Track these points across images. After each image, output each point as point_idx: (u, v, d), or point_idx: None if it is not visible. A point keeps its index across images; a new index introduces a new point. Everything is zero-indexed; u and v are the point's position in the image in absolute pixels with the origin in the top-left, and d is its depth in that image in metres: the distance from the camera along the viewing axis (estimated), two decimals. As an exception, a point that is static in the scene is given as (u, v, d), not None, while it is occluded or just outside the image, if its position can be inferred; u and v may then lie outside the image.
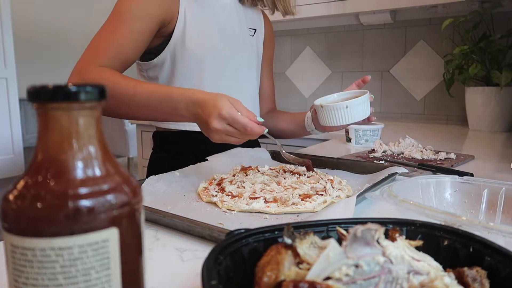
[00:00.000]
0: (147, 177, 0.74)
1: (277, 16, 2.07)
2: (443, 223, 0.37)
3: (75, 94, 0.26)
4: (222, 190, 0.68)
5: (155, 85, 0.79)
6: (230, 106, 0.68)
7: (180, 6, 0.92)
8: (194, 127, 1.00)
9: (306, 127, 1.02)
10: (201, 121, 0.72)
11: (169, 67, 0.96)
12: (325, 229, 0.36)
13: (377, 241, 0.30)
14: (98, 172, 0.26)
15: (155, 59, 0.95)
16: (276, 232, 0.35)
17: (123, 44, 0.83)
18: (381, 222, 0.36)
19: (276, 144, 0.82)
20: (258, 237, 0.34)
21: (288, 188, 0.68)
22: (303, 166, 0.83)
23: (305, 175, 0.77)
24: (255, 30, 1.11)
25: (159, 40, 0.94)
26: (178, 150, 1.04)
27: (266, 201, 0.63)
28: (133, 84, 0.78)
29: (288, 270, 0.30)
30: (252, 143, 1.14)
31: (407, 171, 0.78)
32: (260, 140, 1.22)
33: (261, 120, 0.70)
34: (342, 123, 0.82)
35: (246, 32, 1.08)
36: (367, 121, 0.89)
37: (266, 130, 0.71)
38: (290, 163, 0.86)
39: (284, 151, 0.85)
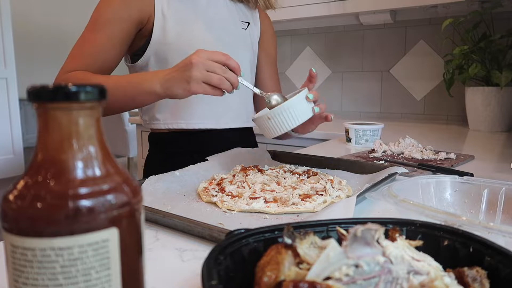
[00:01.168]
0: (144, 178, 0.74)
1: (277, 16, 2.07)
2: (443, 223, 0.37)
3: (75, 94, 0.26)
4: (222, 190, 0.68)
5: (124, 75, 0.82)
6: (204, 50, 0.70)
7: (156, 5, 0.91)
8: (189, 125, 0.99)
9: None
10: (177, 79, 0.71)
11: (154, 67, 0.95)
12: (325, 229, 0.36)
13: (377, 241, 0.30)
14: (98, 172, 0.26)
15: (139, 60, 0.95)
16: (276, 232, 0.35)
17: (99, 51, 0.86)
18: (381, 222, 0.36)
19: (260, 93, 0.78)
20: (258, 237, 0.34)
21: (288, 188, 0.68)
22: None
23: (305, 175, 0.77)
24: (248, 23, 1.09)
25: (142, 41, 0.94)
26: (174, 150, 1.03)
27: (266, 201, 0.63)
28: (105, 76, 0.82)
29: (288, 270, 0.30)
30: (252, 144, 1.13)
31: (407, 171, 0.78)
32: (260, 141, 1.22)
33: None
34: (275, 134, 0.74)
35: (239, 26, 1.06)
36: (324, 120, 0.80)
37: (243, 73, 0.73)
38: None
39: (266, 98, 0.78)
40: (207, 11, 0.99)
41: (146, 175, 1.03)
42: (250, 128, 1.15)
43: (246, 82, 0.75)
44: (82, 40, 0.87)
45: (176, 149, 1.03)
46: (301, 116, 0.73)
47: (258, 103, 1.15)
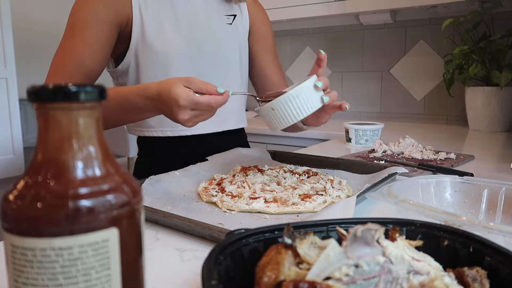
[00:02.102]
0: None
1: (277, 16, 2.07)
2: (443, 223, 0.37)
3: (75, 94, 0.26)
4: (222, 190, 0.68)
5: (112, 90, 0.76)
6: (186, 91, 0.64)
7: (133, 5, 0.86)
8: (175, 132, 0.95)
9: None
10: (166, 115, 0.69)
11: (134, 72, 0.91)
12: (325, 229, 0.36)
13: (377, 241, 0.30)
14: (98, 172, 0.26)
15: (120, 65, 0.91)
16: (276, 232, 0.35)
17: (80, 58, 0.82)
18: (381, 222, 0.36)
19: (252, 95, 0.76)
20: (258, 237, 0.34)
21: (288, 188, 0.68)
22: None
23: (305, 175, 0.77)
24: (235, 16, 1.01)
25: (124, 45, 0.90)
26: (164, 154, 0.99)
27: (266, 201, 0.63)
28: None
29: (288, 270, 0.30)
30: (243, 145, 1.09)
31: (407, 171, 0.78)
32: (260, 141, 1.22)
33: (221, 90, 0.65)
34: (280, 126, 0.69)
35: (222, 21, 0.98)
36: (338, 109, 0.71)
37: (231, 92, 0.66)
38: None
39: (258, 99, 0.75)
40: (184, 10, 0.93)
41: (136, 178, 1.00)
42: (242, 129, 1.11)
43: (236, 92, 0.71)
44: (61, 48, 0.83)
45: (165, 152, 0.99)
46: (308, 106, 0.67)
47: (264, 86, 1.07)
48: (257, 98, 0.76)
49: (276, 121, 0.68)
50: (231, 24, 1.00)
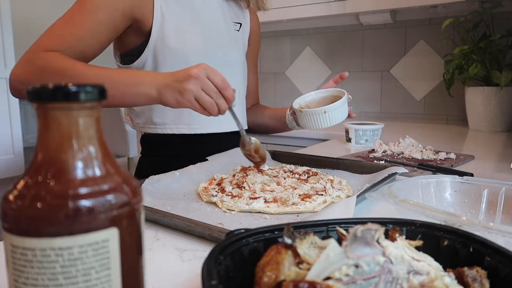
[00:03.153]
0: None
1: (277, 16, 2.07)
2: (443, 223, 0.37)
3: (75, 94, 0.26)
4: (222, 190, 0.68)
5: (115, 69, 0.78)
6: (205, 65, 0.70)
7: (155, 3, 0.89)
8: (192, 130, 0.98)
9: (288, 123, 1.02)
10: (170, 87, 0.70)
11: (150, 69, 0.93)
12: (325, 229, 0.36)
13: (377, 241, 0.30)
14: (98, 172, 0.26)
15: (136, 61, 0.92)
16: (276, 232, 0.35)
17: (84, 35, 0.80)
18: (381, 222, 0.36)
19: (240, 130, 0.79)
20: (258, 237, 0.34)
21: (288, 188, 0.68)
22: (253, 161, 0.81)
23: (305, 175, 0.77)
24: (241, 24, 1.08)
25: (139, 40, 0.91)
26: (169, 153, 1.00)
27: (266, 201, 0.63)
28: (87, 65, 0.76)
29: (288, 270, 0.30)
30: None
31: (407, 171, 0.78)
32: (259, 141, 1.22)
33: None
34: (320, 127, 0.85)
35: (231, 27, 1.04)
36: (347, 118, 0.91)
37: (234, 104, 0.73)
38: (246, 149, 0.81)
39: (245, 137, 0.80)
40: (203, 11, 0.97)
41: (138, 178, 1.01)
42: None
43: (233, 113, 0.75)
44: (67, 18, 0.81)
45: (171, 152, 1.00)
46: (345, 113, 0.85)
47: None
48: (243, 133, 0.81)
49: (324, 121, 0.83)
50: (238, 30, 1.07)
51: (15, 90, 0.79)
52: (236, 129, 1.04)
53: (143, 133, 1.04)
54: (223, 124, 1.00)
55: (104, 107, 0.92)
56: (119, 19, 0.84)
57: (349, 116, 0.89)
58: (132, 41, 0.92)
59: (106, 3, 0.82)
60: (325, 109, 0.82)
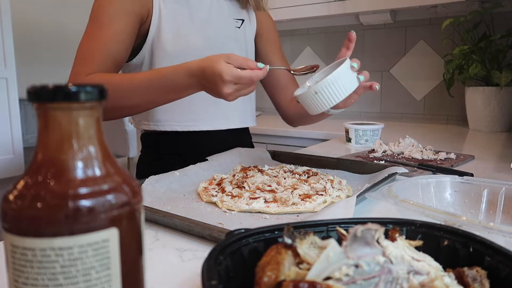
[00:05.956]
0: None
1: (277, 16, 2.06)
2: (443, 223, 0.37)
3: (75, 94, 0.26)
4: (222, 190, 0.68)
5: (150, 71, 0.79)
6: (228, 66, 0.67)
7: (154, 1, 0.90)
8: (183, 127, 0.98)
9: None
10: (209, 90, 0.72)
11: (148, 66, 0.94)
12: (325, 229, 0.36)
13: (377, 241, 0.30)
14: (98, 172, 0.26)
15: (134, 59, 0.94)
16: (276, 232, 0.35)
17: (108, 48, 0.83)
18: (381, 222, 0.36)
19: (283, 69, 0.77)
20: (258, 237, 0.34)
21: (288, 188, 0.68)
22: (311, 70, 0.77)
23: (305, 175, 0.77)
24: (243, 20, 1.06)
25: (138, 39, 0.92)
26: (167, 151, 1.01)
27: (266, 201, 0.63)
28: (128, 76, 0.80)
29: (288, 270, 0.30)
30: (246, 145, 1.11)
31: (407, 171, 0.78)
32: (259, 141, 1.22)
33: (261, 65, 0.69)
34: (323, 109, 0.71)
35: (232, 24, 1.03)
36: (368, 89, 0.76)
37: (268, 67, 0.70)
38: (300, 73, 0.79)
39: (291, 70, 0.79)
40: (200, 10, 0.97)
41: (138, 176, 1.01)
42: (246, 129, 1.13)
43: (271, 67, 0.73)
44: (87, 38, 0.85)
45: (168, 150, 1.01)
46: (348, 87, 0.70)
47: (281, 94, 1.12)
48: (292, 72, 0.79)
49: (318, 104, 0.71)
50: (239, 27, 1.05)
51: None
52: (234, 127, 1.05)
53: (142, 130, 1.04)
54: (216, 121, 1.00)
55: (142, 111, 0.88)
56: (133, 21, 0.87)
57: (370, 88, 0.75)
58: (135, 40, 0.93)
59: (117, 11, 0.85)
60: (314, 89, 0.69)
